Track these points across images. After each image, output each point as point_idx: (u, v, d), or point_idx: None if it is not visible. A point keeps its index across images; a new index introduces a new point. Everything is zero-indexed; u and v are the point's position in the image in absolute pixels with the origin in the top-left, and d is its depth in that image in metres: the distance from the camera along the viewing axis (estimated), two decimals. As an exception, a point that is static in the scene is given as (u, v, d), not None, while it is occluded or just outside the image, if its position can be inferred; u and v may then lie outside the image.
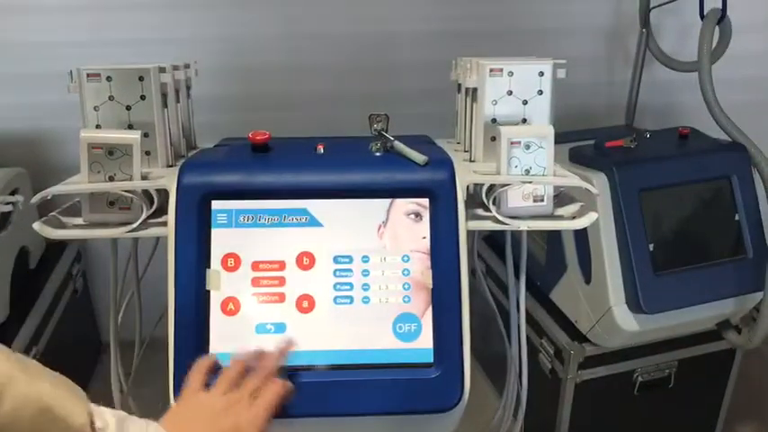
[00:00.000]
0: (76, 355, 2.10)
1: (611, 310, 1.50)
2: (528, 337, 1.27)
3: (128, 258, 1.19)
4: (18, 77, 1.95)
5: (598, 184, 1.48)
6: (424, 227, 0.95)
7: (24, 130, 2.02)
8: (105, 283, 1.16)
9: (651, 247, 1.48)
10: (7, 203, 1.67)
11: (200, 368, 0.86)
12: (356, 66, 2.06)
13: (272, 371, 0.86)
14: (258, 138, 1.00)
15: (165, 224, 0.97)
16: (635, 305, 1.48)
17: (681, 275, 1.50)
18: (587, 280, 1.58)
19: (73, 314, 2.02)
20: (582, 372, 1.63)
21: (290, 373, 0.90)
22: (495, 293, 1.88)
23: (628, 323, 1.50)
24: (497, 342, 1.35)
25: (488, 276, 1.97)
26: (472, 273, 0.98)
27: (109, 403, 1.13)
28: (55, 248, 2.00)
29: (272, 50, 2.02)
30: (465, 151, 1.16)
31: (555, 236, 1.69)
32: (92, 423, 0.68)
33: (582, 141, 1.66)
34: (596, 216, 0.99)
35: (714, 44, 1.68)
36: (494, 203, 1.01)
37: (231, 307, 0.93)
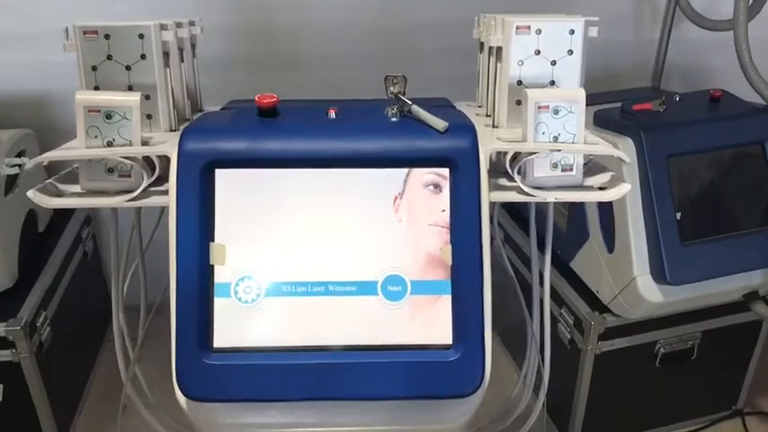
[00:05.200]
0: (87, 318, 2.08)
1: (634, 281, 1.45)
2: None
3: (132, 225, 1.14)
4: (24, 36, 1.90)
5: (624, 149, 1.41)
6: (444, 199, 0.89)
7: (31, 89, 1.97)
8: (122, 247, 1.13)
9: (678, 215, 1.42)
10: (13, 166, 1.63)
11: None
12: (371, 23, 1.98)
13: None
14: (265, 101, 0.93)
15: (167, 192, 0.92)
16: (660, 276, 1.42)
17: (708, 245, 1.45)
18: (610, 249, 1.53)
19: (83, 278, 1.99)
20: (602, 343, 1.58)
21: (302, 353, 0.86)
22: (514, 262, 1.84)
23: (652, 294, 1.45)
24: (515, 311, 1.30)
25: (507, 244, 1.92)
26: (490, 240, 0.92)
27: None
28: (64, 211, 1.96)
29: (282, 8, 1.94)
30: (487, 116, 1.09)
31: (577, 201, 1.63)
32: None
33: (607, 104, 1.59)
34: (628, 187, 0.93)
35: (750, 1, 1.58)
36: (518, 173, 0.95)
37: (238, 282, 0.88)
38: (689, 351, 1.67)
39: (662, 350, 1.64)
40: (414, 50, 1.98)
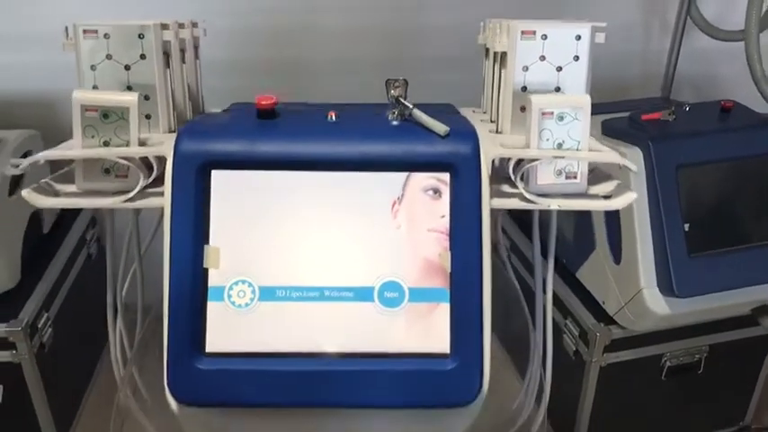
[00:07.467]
0: (90, 320, 2.06)
1: (641, 293, 1.43)
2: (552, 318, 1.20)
3: (129, 229, 1.13)
4: (31, 36, 1.89)
5: (633, 159, 1.39)
6: (444, 204, 0.87)
7: (37, 90, 1.96)
8: (121, 249, 1.13)
9: (686, 227, 1.40)
10: (17, 166, 1.62)
11: None
12: (377, 28, 1.96)
13: None
14: (264, 103, 0.92)
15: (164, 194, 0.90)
16: (667, 288, 1.40)
17: (717, 258, 1.42)
18: (617, 260, 1.50)
19: (87, 280, 1.97)
20: (607, 355, 1.56)
21: (295, 359, 0.84)
22: (520, 270, 1.82)
23: (659, 307, 1.43)
24: (520, 320, 1.28)
25: (512, 252, 1.90)
26: (494, 248, 0.90)
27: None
28: (69, 213, 1.95)
29: (287, 11, 1.93)
30: (491, 121, 1.07)
31: (584, 211, 1.60)
32: None
33: (616, 113, 1.57)
34: (634, 196, 0.91)
35: (763, 11, 1.56)
36: (521, 179, 0.93)
37: (231, 286, 0.87)
38: (696, 365, 1.64)
39: (668, 363, 1.61)
40: (420, 55, 1.96)
